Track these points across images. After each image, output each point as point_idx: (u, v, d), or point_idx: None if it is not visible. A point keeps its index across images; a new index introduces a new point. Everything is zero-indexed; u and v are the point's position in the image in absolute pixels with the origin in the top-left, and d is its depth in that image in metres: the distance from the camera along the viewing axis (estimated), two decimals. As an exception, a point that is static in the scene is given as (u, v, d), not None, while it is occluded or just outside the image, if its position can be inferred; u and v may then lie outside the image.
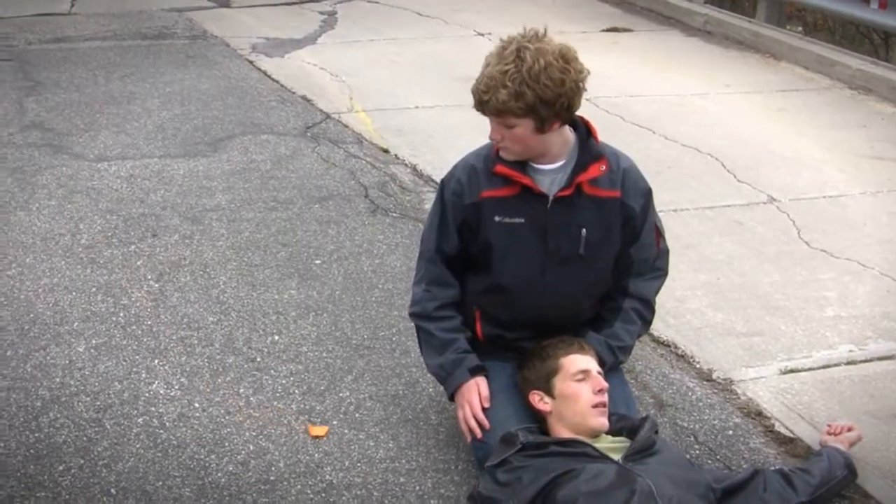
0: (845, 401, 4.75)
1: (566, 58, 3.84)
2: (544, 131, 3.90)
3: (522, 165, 4.02)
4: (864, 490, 4.12)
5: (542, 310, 4.15)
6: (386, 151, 7.66)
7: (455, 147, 7.48)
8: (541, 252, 4.08)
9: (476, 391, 4.09)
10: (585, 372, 3.94)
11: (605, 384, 3.93)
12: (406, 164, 7.42)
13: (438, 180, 6.31)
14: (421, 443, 4.36)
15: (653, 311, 4.34)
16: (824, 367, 5.02)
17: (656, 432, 3.90)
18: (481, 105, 3.87)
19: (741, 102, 9.36)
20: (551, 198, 4.02)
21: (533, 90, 3.78)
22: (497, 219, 4.06)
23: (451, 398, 4.23)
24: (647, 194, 4.20)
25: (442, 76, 9.59)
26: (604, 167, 4.05)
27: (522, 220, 4.05)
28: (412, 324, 4.73)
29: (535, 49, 3.79)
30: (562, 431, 3.89)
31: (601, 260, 4.17)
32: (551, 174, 4.03)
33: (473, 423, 4.04)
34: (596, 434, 3.86)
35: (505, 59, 3.79)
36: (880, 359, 5.13)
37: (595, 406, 3.87)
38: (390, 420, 4.50)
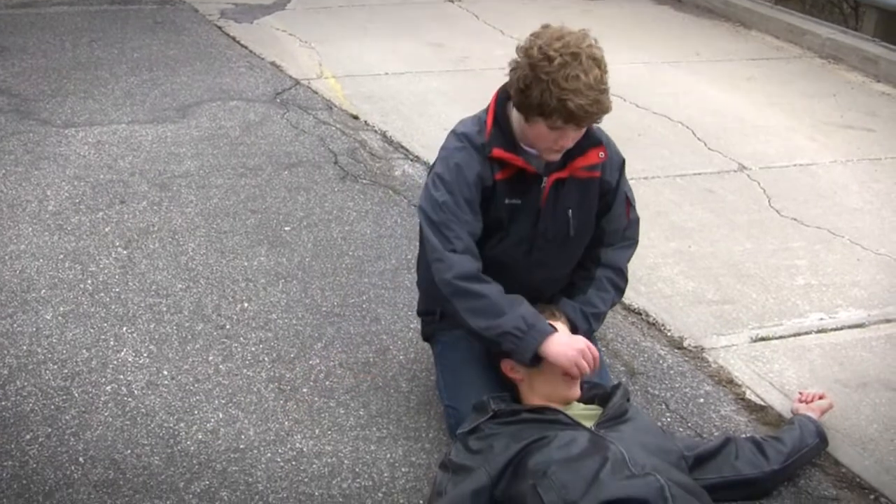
0: (816, 369, 4.76)
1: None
2: None
3: (516, 148, 3.97)
4: (834, 458, 4.13)
5: (524, 285, 4.08)
6: (356, 118, 7.62)
7: (425, 114, 7.50)
8: (531, 234, 4.07)
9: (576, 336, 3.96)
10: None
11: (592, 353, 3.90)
12: (376, 131, 7.37)
13: (408, 146, 6.30)
14: (391, 410, 4.34)
15: (625, 280, 4.33)
16: (795, 335, 5.03)
17: (628, 400, 3.91)
18: (588, 118, 3.76)
19: (712, 71, 9.35)
20: (546, 179, 4.00)
21: (607, 81, 3.80)
22: (507, 201, 4.01)
23: (535, 359, 3.89)
24: (622, 166, 4.22)
25: (412, 43, 9.51)
26: (602, 154, 4.03)
27: (520, 202, 4.03)
28: (384, 291, 4.70)
29: (591, 43, 3.79)
30: (534, 399, 3.88)
31: (583, 239, 4.19)
32: (538, 157, 3.98)
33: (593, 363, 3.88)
34: (568, 402, 3.86)
35: (586, 67, 3.71)
36: (850, 327, 5.14)
37: (566, 374, 3.84)
38: (361, 388, 4.48)
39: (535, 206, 4.03)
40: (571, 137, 3.86)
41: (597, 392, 3.94)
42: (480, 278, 3.92)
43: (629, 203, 4.29)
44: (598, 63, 3.75)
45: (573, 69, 3.70)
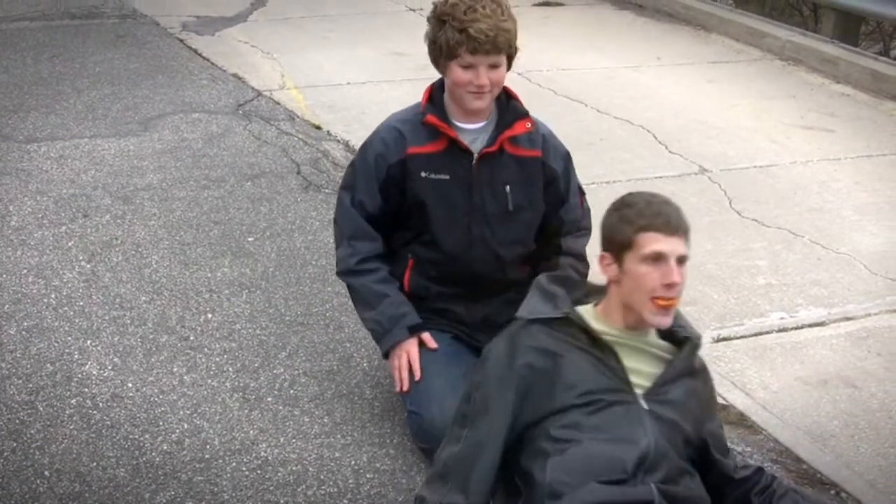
0: (777, 368, 4.80)
1: None
2: (508, 70, 4.07)
3: (448, 122, 4.12)
4: (795, 454, 4.18)
5: (468, 265, 4.21)
6: (318, 128, 7.63)
7: (387, 122, 7.47)
8: (466, 209, 4.16)
9: (416, 346, 4.16)
10: (661, 256, 3.35)
11: (676, 279, 3.33)
12: (338, 141, 7.39)
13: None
14: (356, 417, 4.36)
15: (587, 266, 4.36)
16: (756, 334, 5.08)
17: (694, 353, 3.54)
18: (490, 44, 3.91)
19: (673, 74, 9.40)
20: (476, 155, 4.11)
21: (513, 22, 4.00)
22: (423, 174, 4.14)
23: (386, 355, 4.25)
24: (567, 158, 4.35)
25: (374, 52, 9.55)
26: (529, 125, 4.17)
27: (448, 177, 4.14)
28: (346, 300, 4.71)
29: None
30: (614, 309, 3.45)
31: (526, 218, 4.26)
32: (473, 133, 4.15)
33: (406, 374, 4.11)
34: (646, 328, 3.46)
35: (485, 4, 3.92)
36: (811, 325, 5.19)
37: (654, 299, 3.35)
38: (325, 395, 4.50)
39: (466, 181, 4.14)
40: (486, 75, 3.98)
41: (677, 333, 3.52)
42: (356, 271, 4.26)
43: (582, 194, 4.46)
44: (500, 4, 3.96)
45: (471, 7, 3.92)
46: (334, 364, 4.72)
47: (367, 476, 4.01)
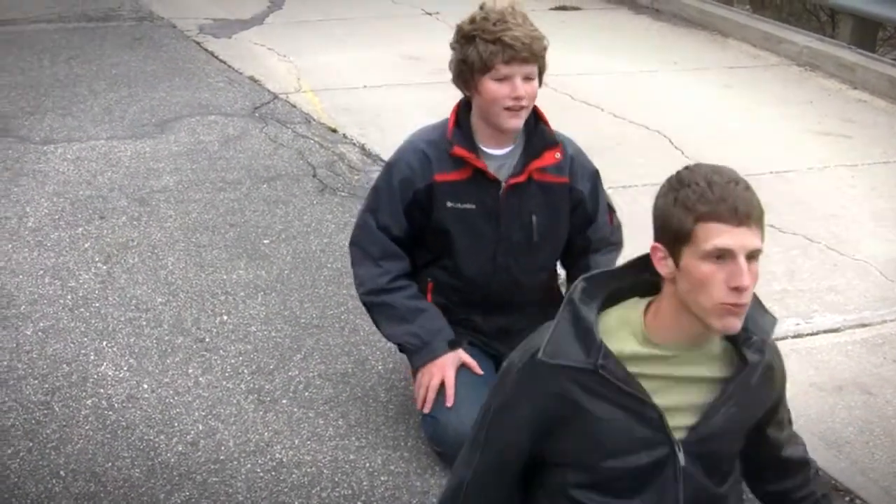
0: (792, 374, 4.73)
1: None
2: (539, 87, 3.99)
3: (476, 150, 4.02)
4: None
5: (489, 291, 4.17)
6: (334, 131, 7.64)
7: (403, 126, 7.46)
8: (493, 238, 4.10)
9: (454, 367, 4.08)
10: (727, 253, 2.66)
11: (746, 281, 2.64)
12: (354, 144, 7.40)
13: (386, 159, 6.31)
14: (370, 420, 4.37)
15: None
16: (771, 340, 5.07)
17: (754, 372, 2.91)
18: (527, 51, 3.86)
19: (689, 80, 9.39)
20: (504, 184, 4.03)
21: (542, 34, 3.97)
22: (449, 204, 4.06)
23: (417, 369, 4.15)
24: (595, 176, 4.24)
25: (390, 56, 9.54)
26: (558, 155, 4.06)
27: (473, 206, 4.06)
28: (360, 302, 4.75)
29: (513, 3, 3.95)
30: (668, 316, 2.80)
31: (550, 245, 4.20)
32: (500, 159, 4.06)
33: (432, 396, 4.05)
34: (704, 342, 2.85)
35: (515, 15, 3.89)
36: (826, 332, 5.18)
37: (722, 304, 2.67)
38: (339, 398, 4.50)
39: (493, 211, 4.06)
40: (523, 87, 3.88)
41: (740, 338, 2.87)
42: (388, 290, 4.15)
43: (611, 211, 4.35)
44: (524, 17, 3.92)
45: (500, 19, 3.87)
46: (349, 367, 4.73)
47: (382, 479, 4.02)
